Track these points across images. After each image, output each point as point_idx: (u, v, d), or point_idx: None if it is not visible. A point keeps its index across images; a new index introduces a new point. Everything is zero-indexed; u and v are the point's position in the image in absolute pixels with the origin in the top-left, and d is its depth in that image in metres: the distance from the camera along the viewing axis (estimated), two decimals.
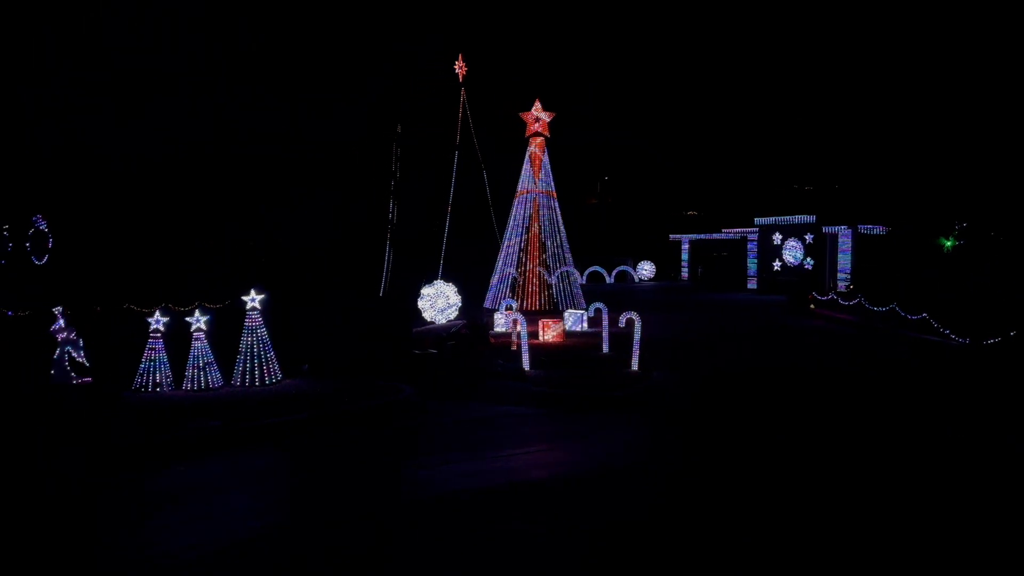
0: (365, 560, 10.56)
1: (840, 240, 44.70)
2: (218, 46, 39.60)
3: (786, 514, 11.86)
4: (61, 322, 21.91)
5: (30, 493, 13.37)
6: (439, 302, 33.15)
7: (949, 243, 42.11)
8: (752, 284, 51.14)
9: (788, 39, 62.35)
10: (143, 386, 20.85)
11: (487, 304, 36.93)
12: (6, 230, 31.19)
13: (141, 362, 21.04)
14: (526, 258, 37.19)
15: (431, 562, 10.41)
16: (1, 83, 36.62)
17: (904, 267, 40.85)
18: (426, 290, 33.29)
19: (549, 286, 37.12)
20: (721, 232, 55.36)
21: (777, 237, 49.29)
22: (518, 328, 24.72)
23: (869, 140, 57.47)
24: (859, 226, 44.22)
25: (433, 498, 12.87)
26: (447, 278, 34.80)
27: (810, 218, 47.22)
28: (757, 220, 51.07)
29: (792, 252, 48.31)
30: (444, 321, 32.88)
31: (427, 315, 32.93)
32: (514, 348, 25.10)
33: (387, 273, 38.05)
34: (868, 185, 54.77)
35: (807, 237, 47.22)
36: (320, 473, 14.52)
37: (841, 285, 42.93)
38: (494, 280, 37.65)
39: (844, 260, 44.45)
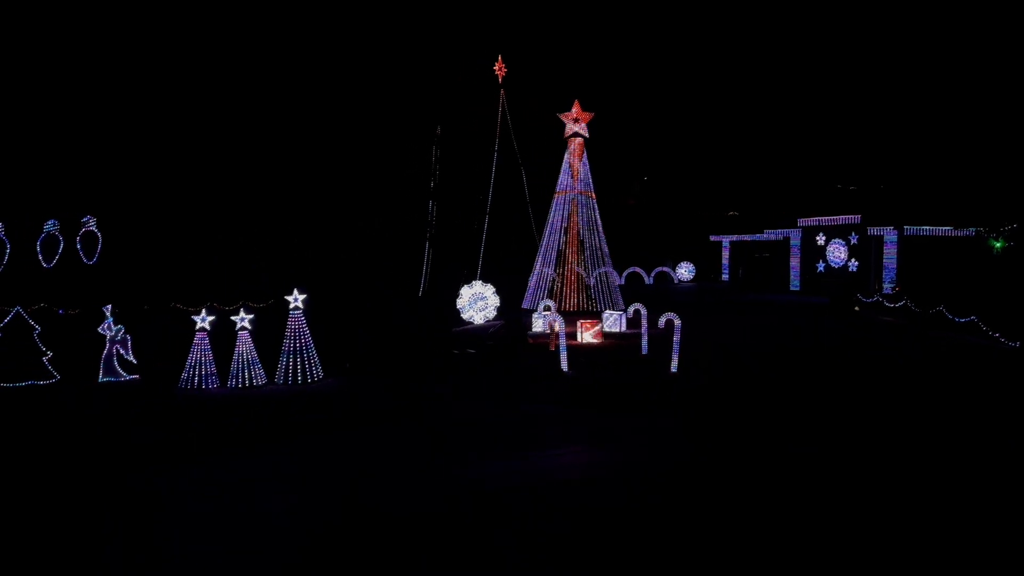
0: (395, 557, 10.69)
1: (885, 241, 43.80)
2: (257, 50, 40.26)
3: (808, 520, 11.77)
4: (110, 320, 22.54)
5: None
6: (477, 302, 33.33)
7: (999, 244, 41.01)
8: (795, 286, 50.32)
9: (834, 37, 61.29)
10: (189, 383, 21.35)
11: (525, 304, 36.94)
12: (58, 230, 32.16)
13: (187, 360, 21.57)
14: (564, 258, 37.11)
15: (462, 562, 10.52)
16: (53, 86, 37.72)
17: (952, 269, 39.85)
18: (465, 290, 33.48)
19: (587, 287, 37.00)
20: (763, 233, 54.53)
21: (821, 238, 48.49)
22: (556, 329, 24.69)
23: (915, 139, 56.14)
24: (905, 227, 43.27)
25: (469, 497, 12.95)
26: (485, 278, 34.94)
27: (855, 218, 46.31)
28: (800, 221, 50.27)
29: (836, 253, 47.48)
30: (482, 321, 33.04)
31: (465, 315, 33.12)
32: (552, 349, 25.08)
33: (426, 273, 38.35)
34: (914, 185, 53.49)
35: (851, 238, 46.35)
36: (359, 471, 14.68)
37: (887, 287, 42.06)
38: (532, 280, 37.59)
39: (890, 262, 43.45)
